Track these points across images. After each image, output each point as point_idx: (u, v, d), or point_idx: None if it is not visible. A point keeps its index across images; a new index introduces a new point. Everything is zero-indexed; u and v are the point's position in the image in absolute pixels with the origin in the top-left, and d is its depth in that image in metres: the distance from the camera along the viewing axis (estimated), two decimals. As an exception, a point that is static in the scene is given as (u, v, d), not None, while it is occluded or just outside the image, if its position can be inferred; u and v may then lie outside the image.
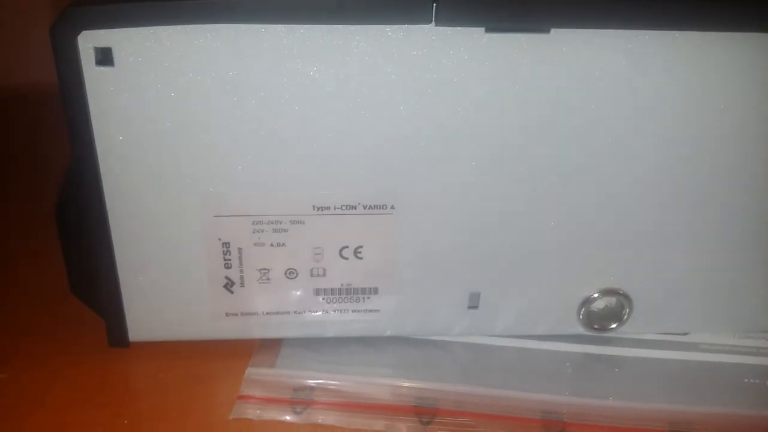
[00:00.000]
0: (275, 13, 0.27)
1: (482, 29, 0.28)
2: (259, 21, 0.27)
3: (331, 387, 0.33)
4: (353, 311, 0.34)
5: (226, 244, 0.32)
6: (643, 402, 0.32)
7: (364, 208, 0.32)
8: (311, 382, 0.33)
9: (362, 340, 0.35)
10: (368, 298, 0.34)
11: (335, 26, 0.28)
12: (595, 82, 0.29)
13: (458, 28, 0.28)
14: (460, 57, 0.29)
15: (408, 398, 0.33)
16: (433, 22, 0.28)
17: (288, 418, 0.31)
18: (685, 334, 0.36)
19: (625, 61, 0.29)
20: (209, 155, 0.30)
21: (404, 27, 0.28)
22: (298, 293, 0.33)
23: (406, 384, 0.33)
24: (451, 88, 0.29)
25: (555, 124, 0.30)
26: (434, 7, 0.27)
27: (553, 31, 0.28)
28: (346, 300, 0.34)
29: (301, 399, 0.32)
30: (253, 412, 0.32)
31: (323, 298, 0.34)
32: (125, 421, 0.31)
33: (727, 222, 0.33)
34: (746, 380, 0.34)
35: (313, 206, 0.31)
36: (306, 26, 0.28)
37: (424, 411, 0.32)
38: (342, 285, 0.34)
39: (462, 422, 0.31)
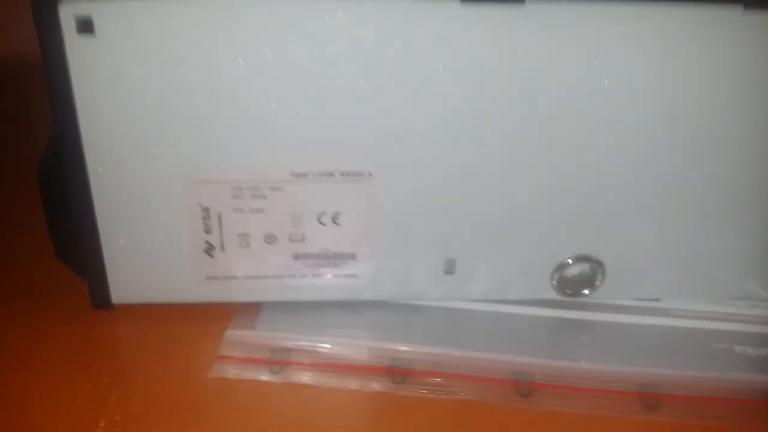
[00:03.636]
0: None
1: (458, 1, 0.28)
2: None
3: (307, 348, 0.34)
4: (332, 276, 0.35)
5: (205, 210, 0.33)
6: (613, 365, 0.33)
7: (342, 175, 0.32)
8: (289, 343, 0.34)
9: (341, 303, 0.36)
10: (346, 263, 0.35)
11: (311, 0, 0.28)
12: (569, 53, 0.30)
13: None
14: (436, 28, 0.29)
15: (382, 359, 0.34)
16: (408, -7, 0.28)
17: (265, 377, 0.32)
18: (658, 300, 0.37)
19: (599, 33, 0.29)
20: (188, 122, 0.30)
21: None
22: (278, 258, 0.34)
23: (381, 345, 0.34)
24: (426, 59, 0.30)
25: (529, 95, 0.31)
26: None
27: (528, 3, 0.29)
28: (324, 265, 0.35)
29: (278, 359, 0.33)
30: (231, 372, 0.33)
31: (302, 263, 0.35)
32: (106, 380, 0.32)
33: (698, 193, 0.34)
34: (714, 345, 0.35)
35: (292, 173, 0.32)
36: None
37: (397, 371, 0.33)
38: (320, 250, 0.34)
39: (434, 382, 0.32)
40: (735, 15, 0.29)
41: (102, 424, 0.30)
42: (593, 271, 0.35)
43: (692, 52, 0.30)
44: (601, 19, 0.29)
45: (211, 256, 0.34)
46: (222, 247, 0.34)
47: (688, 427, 0.31)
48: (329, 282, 0.35)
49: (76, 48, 0.29)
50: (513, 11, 0.29)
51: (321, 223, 0.33)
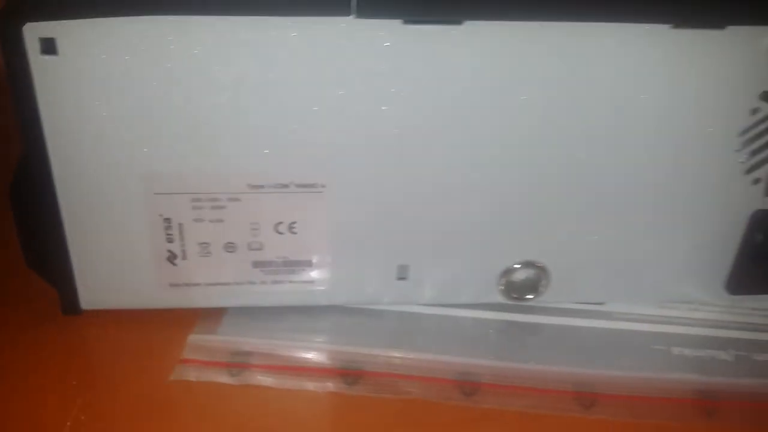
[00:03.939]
0: (200, 4, 0.30)
1: (400, 21, 0.30)
2: (185, 12, 0.30)
3: (265, 352, 0.36)
4: (289, 282, 0.37)
5: (167, 220, 0.34)
6: (552, 365, 0.35)
7: (297, 186, 0.34)
8: (248, 347, 0.36)
9: (299, 309, 0.38)
10: (303, 270, 0.37)
11: (263, 17, 0.30)
12: (506, 70, 0.32)
13: (377, 20, 0.30)
14: (381, 47, 0.31)
15: (337, 361, 0.35)
16: (354, 14, 0.30)
17: (224, 379, 0.34)
18: (602, 303, 0.39)
19: (535, 51, 0.31)
20: (148, 138, 0.32)
21: (327, 19, 0.30)
22: (237, 266, 0.36)
23: (336, 348, 0.36)
24: (373, 76, 0.31)
25: (471, 110, 0.32)
26: (353, 0, 0.30)
27: (466, 23, 0.30)
28: (282, 272, 0.37)
29: (237, 362, 0.35)
30: (192, 374, 0.34)
31: (261, 271, 0.36)
32: (74, 381, 0.34)
33: (636, 202, 0.35)
34: (652, 346, 0.37)
35: (248, 185, 0.34)
36: (234, 17, 0.30)
37: (350, 373, 0.35)
38: (278, 258, 0.36)
39: (384, 382, 0.34)
40: (664, 31, 0.31)
41: (68, 424, 0.32)
42: (538, 277, 0.37)
43: (626, 67, 0.32)
44: (537, 37, 0.31)
45: (173, 264, 0.36)
46: (184, 256, 0.35)
47: (620, 425, 0.33)
48: (287, 288, 0.37)
49: (40, 67, 0.30)
50: (452, 30, 0.31)
51: (278, 232, 0.35)
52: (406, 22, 0.30)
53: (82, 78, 0.31)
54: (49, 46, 0.30)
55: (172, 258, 0.36)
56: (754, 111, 0.33)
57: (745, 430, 0.33)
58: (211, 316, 0.38)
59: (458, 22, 0.30)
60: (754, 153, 0.34)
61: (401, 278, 0.37)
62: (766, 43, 0.31)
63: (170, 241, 0.35)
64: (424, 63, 0.31)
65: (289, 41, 0.30)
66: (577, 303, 0.39)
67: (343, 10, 0.30)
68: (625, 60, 0.32)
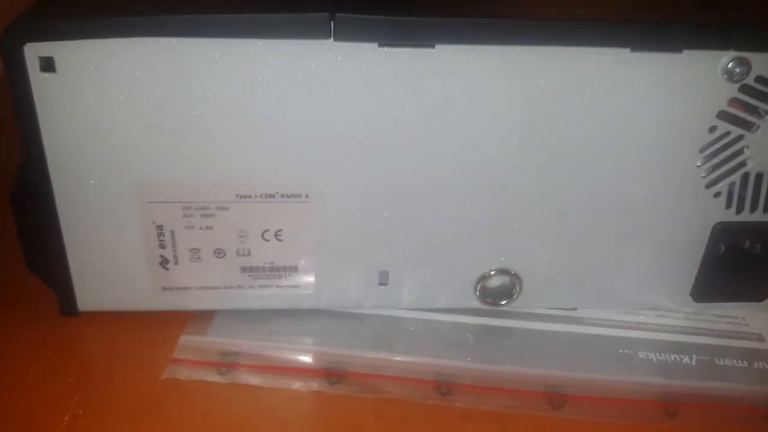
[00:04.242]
0: (186, 28, 0.32)
1: (376, 44, 0.32)
2: (172, 35, 0.32)
3: (253, 352, 0.38)
4: (276, 287, 0.39)
5: (159, 227, 0.36)
6: (524, 367, 0.37)
7: (282, 196, 0.36)
8: (236, 348, 0.38)
9: (286, 312, 0.40)
10: (289, 275, 0.39)
11: (249, 40, 0.32)
12: (475, 89, 0.34)
13: (355, 43, 0.32)
14: (358, 68, 0.33)
15: (321, 362, 0.37)
16: (332, 38, 0.32)
17: (213, 378, 0.36)
18: (573, 309, 0.41)
19: (503, 72, 0.33)
20: (141, 151, 0.34)
21: (307, 42, 0.32)
22: (226, 271, 0.38)
23: (320, 349, 0.38)
24: (351, 95, 0.33)
25: (443, 127, 0.34)
26: (332, 25, 0.32)
27: (437, 46, 0.32)
28: (269, 277, 0.39)
29: (226, 362, 0.37)
30: (183, 373, 0.36)
31: (249, 275, 0.38)
32: (71, 379, 0.36)
33: (606, 215, 0.37)
34: (620, 350, 0.39)
35: (236, 194, 0.36)
36: (220, 39, 0.32)
37: (333, 373, 0.37)
38: (265, 264, 0.38)
39: (365, 381, 0.36)
40: (625, 55, 0.33)
41: (66, 418, 0.34)
42: (512, 283, 0.39)
43: (591, 88, 0.34)
44: (505, 60, 0.33)
45: (166, 268, 0.38)
46: (176, 261, 0.38)
47: (588, 424, 0.35)
48: (274, 292, 0.39)
49: (39, 83, 0.32)
50: (425, 53, 0.33)
51: (265, 239, 0.37)
52: (381, 45, 0.32)
53: (79, 93, 0.33)
54: (47, 64, 0.32)
55: (164, 263, 0.38)
56: (712, 129, 0.35)
57: (704, 430, 0.35)
58: (202, 318, 0.40)
59: (431, 45, 0.32)
60: (714, 168, 0.36)
61: (382, 284, 0.39)
62: (721, 66, 0.33)
63: (162, 246, 0.37)
64: (399, 83, 0.33)
65: (272, 62, 0.32)
66: (549, 308, 0.41)
67: (324, 33, 0.32)
68: (590, 81, 0.34)
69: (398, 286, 0.39)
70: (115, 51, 0.32)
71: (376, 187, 0.36)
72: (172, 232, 0.37)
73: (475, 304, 0.40)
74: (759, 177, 0.36)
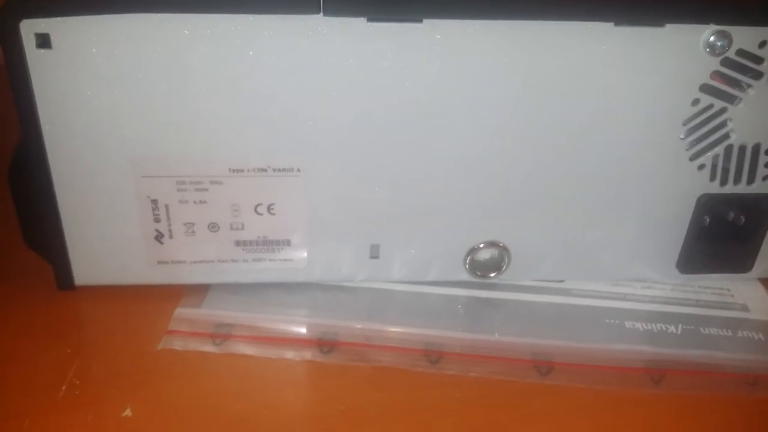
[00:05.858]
0: (177, 3, 0.32)
1: (364, 19, 0.33)
2: (165, 10, 0.32)
3: (247, 324, 0.38)
4: (269, 260, 0.40)
5: (154, 201, 0.37)
6: (511, 336, 0.38)
7: (274, 170, 0.37)
8: (230, 319, 0.39)
9: (279, 285, 0.41)
10: (282, 248, 0.39)
11: (241, 15, 0.33)
12: (465, 67, 0.34)
13: (343, 18, 0.33)
14: (348, 43, 0.33)
15: (313, 332, 0.38)
16: (322, 13, 0.33)
17: (207, 348, 0.37)
18: (561, 281, 0.42)
19: (489, 47, 0.34)
20: (136, 125, 0.35)
21: (297, 17, 0.33)
22: (220, 244, 0.39)
23: (313, 321, 0.39)
24: (341, 69, 0.34)
25: (433, 101, 0.35)
26: (322, 0, 0.32)
27: (425, 21, 0.33)
28: (262, 250, 0.39)
29: (221, 333, 0.38)
30: (178, 344, 0.37)
31: (242, 249, 0.39)
32: (68, 350, 0.37)
33: (591, 187, 0.38)
34: (607, 320, 0.40)
35: (229, 169, 0.37)
36: (211, 14, 0.33)
37: (325, 343, 0.38)
38: (258, 237, 0.39)
39: (357, 351, 0.37)
40: (607, 29, 0.34)
41: (64, 387, 0.35)
42: (501, 256, 0.40)
43: (576, 62, 0.34)
44: (490, 34, 0.34)
45: (161, 242, 0.38)
46: (170, 235, 0.38)
47: (573, 390, 0.36)
48: (267, 266, 0.40)
49: (36, 60, 0.33)
50: (413, 28, 0.33)
51: (258, 213, 0.38)
52: (370, 20, 0.33)
53: (75, 70, 0.33)
54: (44, 41, 0.33)
55: (159, 237, 0.38)
56: (695, 102, 0.36)
57: (688, 396, 0.36)
58: (196, 291, 0.40)
59: (418, 20, 0.33)
60: (698, 141, 0.37)
61: (374, 257, 0.40)
62: (703, 40, 0.34)
63: (157, 221, 0.38)
64: (388, 57, 0.34)
65: (262, 36, 0.33)
66: (537, 281, 0.42)
67: (313, 8, 0.32)
68: (573, 55, 0.34)
69: (389, 260, 0.40)
70: (111, 27, 0.33)
71: (367, 162, 0.37)
72: (167, 206, 0.37)
73: (465, 276, 0.41)
74: (742, 149, 0.37)
